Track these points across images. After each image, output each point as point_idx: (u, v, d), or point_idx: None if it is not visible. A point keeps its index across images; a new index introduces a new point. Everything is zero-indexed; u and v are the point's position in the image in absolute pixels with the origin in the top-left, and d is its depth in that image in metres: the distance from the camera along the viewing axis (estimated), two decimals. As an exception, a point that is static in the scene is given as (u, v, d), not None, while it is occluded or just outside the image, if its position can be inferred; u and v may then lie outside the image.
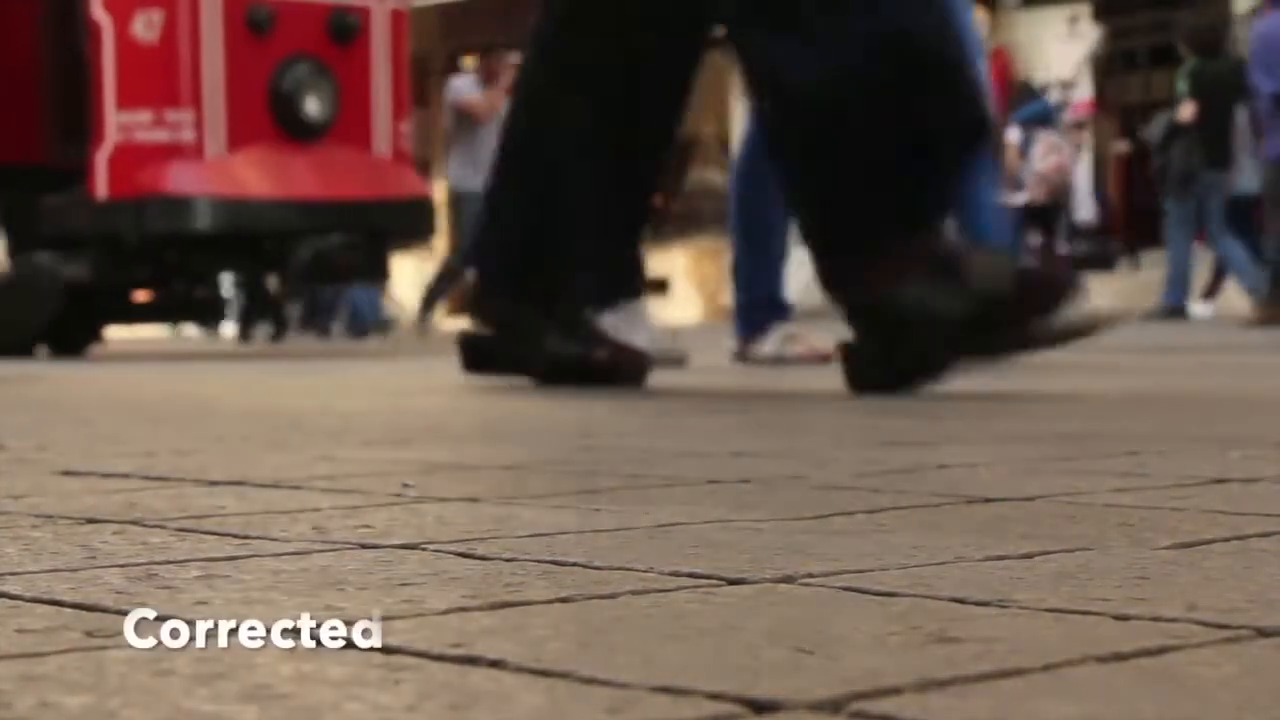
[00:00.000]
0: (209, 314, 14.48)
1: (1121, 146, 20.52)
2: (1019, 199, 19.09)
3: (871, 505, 2.18)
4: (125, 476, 2.67)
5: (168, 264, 12.15)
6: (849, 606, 1.43)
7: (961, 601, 1.45)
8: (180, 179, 11.38)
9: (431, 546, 1.83)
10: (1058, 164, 19.87)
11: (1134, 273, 19.63)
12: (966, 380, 4.77)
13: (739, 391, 5.70)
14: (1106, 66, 20.85)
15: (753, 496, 2.30)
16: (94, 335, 13.43)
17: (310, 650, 1.27)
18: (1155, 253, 19.59)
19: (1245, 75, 13.59)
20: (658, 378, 5.45)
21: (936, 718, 1.06)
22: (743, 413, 4.24)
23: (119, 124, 11.45)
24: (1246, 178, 14.29)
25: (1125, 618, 1.37)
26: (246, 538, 1.92)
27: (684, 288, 26.92)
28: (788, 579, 1.58)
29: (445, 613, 1.42)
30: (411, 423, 3.93)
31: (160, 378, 7.58)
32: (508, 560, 1.72)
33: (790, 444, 3.18)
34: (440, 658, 1.23)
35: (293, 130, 11.65)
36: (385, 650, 1.26)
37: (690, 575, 1.61)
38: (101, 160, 11.49)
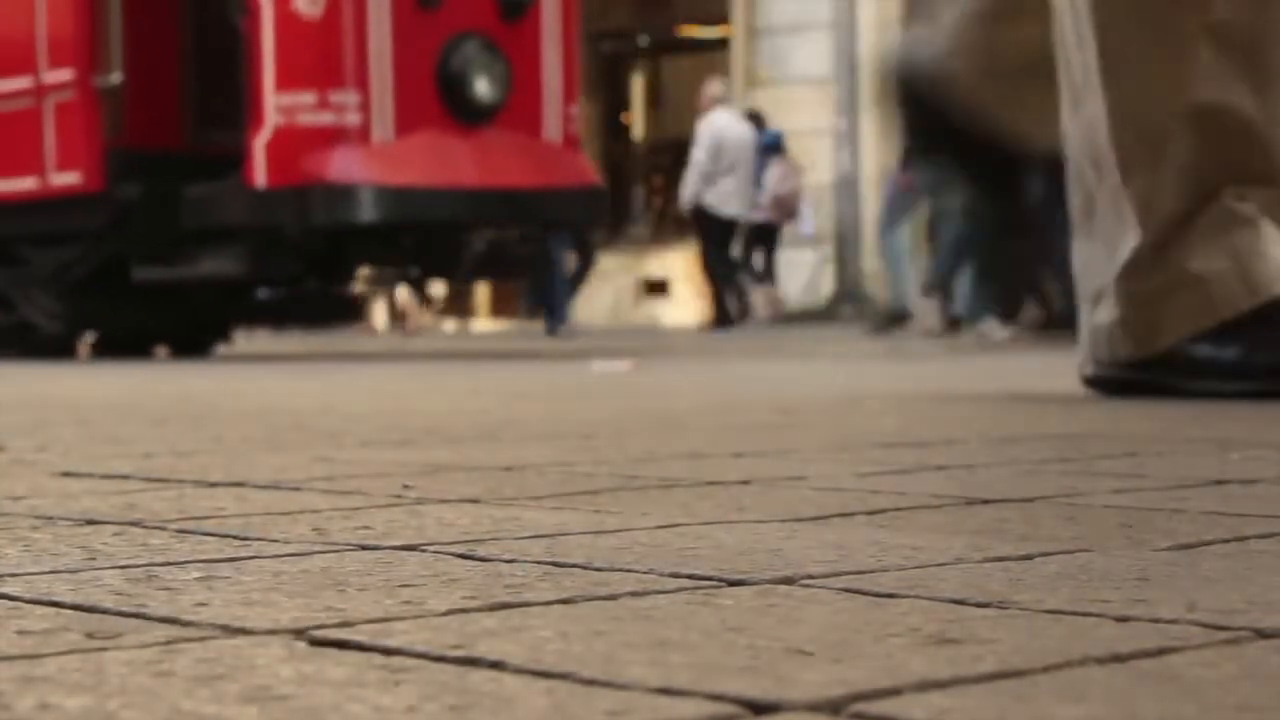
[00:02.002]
0: (346, 314, 13.37)
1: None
2: (755, 218, 21.77)
3: (871, 506, 2.18)
4: (125, 478, 2.67)
5: (326, 258, 11.07)
6: (849, 608, 1.44)
7: (961, 603, 1.45)
8: (346, 166, 10.48)
9: (432, 548, 1.83)
10: (791, 189, 22.45)
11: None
12: (964, 382, 4.77)
13: (739, 393, 5.70)
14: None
15: (752, 497, 2.30)
16: (222, 336, 12.58)
17: (311, 651, 1.27)
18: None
19: None
20: (658, 380, 5.44)
21: (937, 719, 1.06)
22: (744, 414, 4.24)
23: (279, 106, 10.57)
24: None
25: (1125, 619, 1.37)
26: (246, 539, 1.92)
27: (683, 289, 26.92)
28: (787, 580, 1.58)
29: (446, 614, 1.42)
30: (411, 423, 3.93)
31: (161, 378, 7.58)
32: (508, 561, 1.72)
33: (791, 445, 3.18)
34: (440, 659, 1.23)
35: (461, 113, 10.77)
36: (385, 651, 1.26)
37: (690, 576, 1.61)
38: (259, 146, 10.57)
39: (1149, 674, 1.17)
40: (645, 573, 1.63)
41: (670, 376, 6.78)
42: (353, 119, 10.48)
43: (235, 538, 1.93)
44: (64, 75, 11.18)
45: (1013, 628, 1.34)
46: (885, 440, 3.27)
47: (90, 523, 2.09)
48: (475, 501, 2.28)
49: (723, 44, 27.27)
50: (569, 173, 11.20)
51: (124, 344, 11.87)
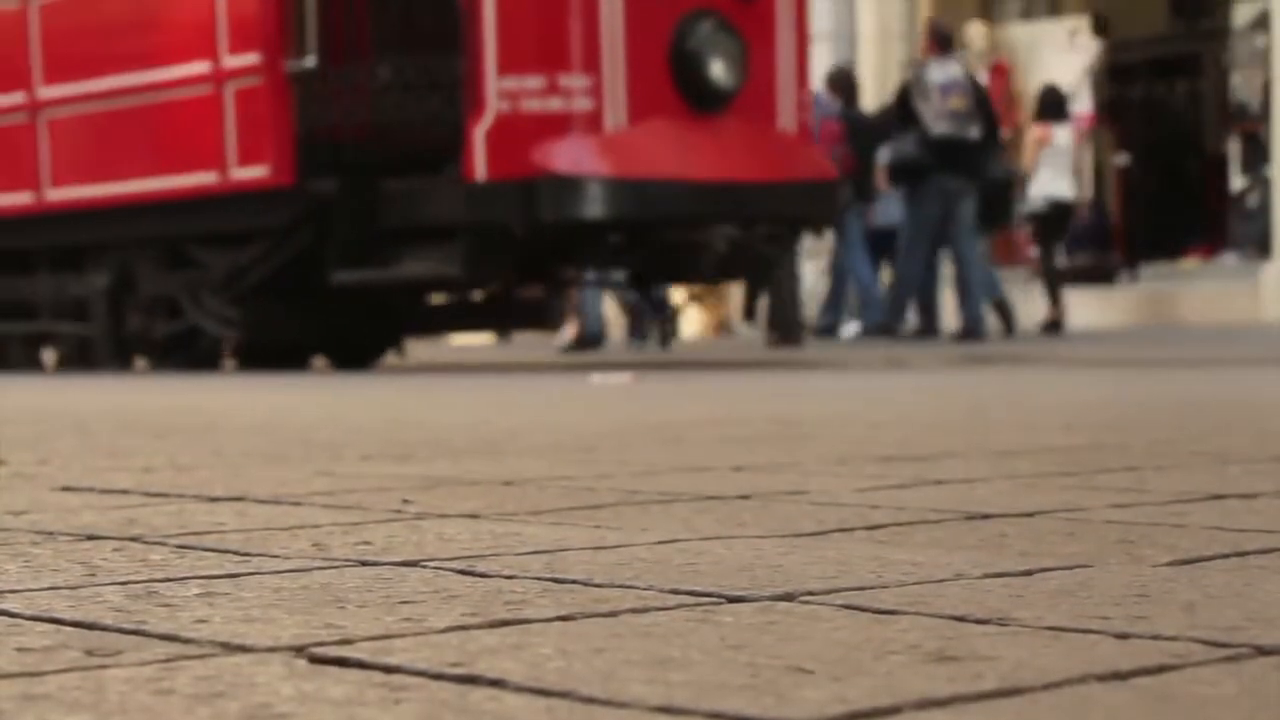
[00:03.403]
0: (538, 320, 12.11)
1: (1121, 159, 20.56)
2: None
3: (870, 522, 2.18)
4: (125, 492, 2.67)
5: (538, 259, 9.93)
6: (849, 625, 1.44)
7: (961, 619, 1.45)
8: (576, 157, 9.33)
9: (431, 564, 1.83)
10: None
11: (1133, 285, 19.64)
12: (960, 394, 4.76)
13: (740, 408, 5.70)
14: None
15: (752, 513, 2.30)
16: (391, 344, 11.48)
17: (311, 669, 1.27)
18: (1155, 266, 19.60)
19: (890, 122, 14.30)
20: (656, 391, 5.44)
21: (936, 737, 1.06)
22: (742, 428, 4.24)
23: (502, 91, 9.36)
24: (882, 210, 14.84)
25: (1125, 636, 1.37)
26: (247, 554, 1.92)
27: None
28: (787, 597, 1.58)
29: (446, 631, 1.42)
30: (411, 437, 3.93)
31: (162, 392, 7.58)
32: (508, 578, 1.72)
33: (789, 458, 3.18)
34: (440, 676, 1.23)
35: (695, 99, 9.59)
36: (386, 669, 1.26)
37: (691, 593, 1.61)
38: (479, 135, 9.31)
39: (1149, 692, 1.17)
40: (645, 589, 1.63)
41: (670, 389, 6.77)
42: (583, 105, 9.39)
43: (235, 553, 1.93)
44: (248, 60, 10.05)
45: (1013, 645, 1.34)
46: (884, 454, 3.27)
47: (90, 538, 2.09)
48: (475, 517, 2.28)
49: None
50: (807, 166, 10.12)
51: (271, 354, 10.71)
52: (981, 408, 4.88)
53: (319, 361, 11.07)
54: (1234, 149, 19.63)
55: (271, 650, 1.34)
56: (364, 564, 1.84)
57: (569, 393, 6.58)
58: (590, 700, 1.15)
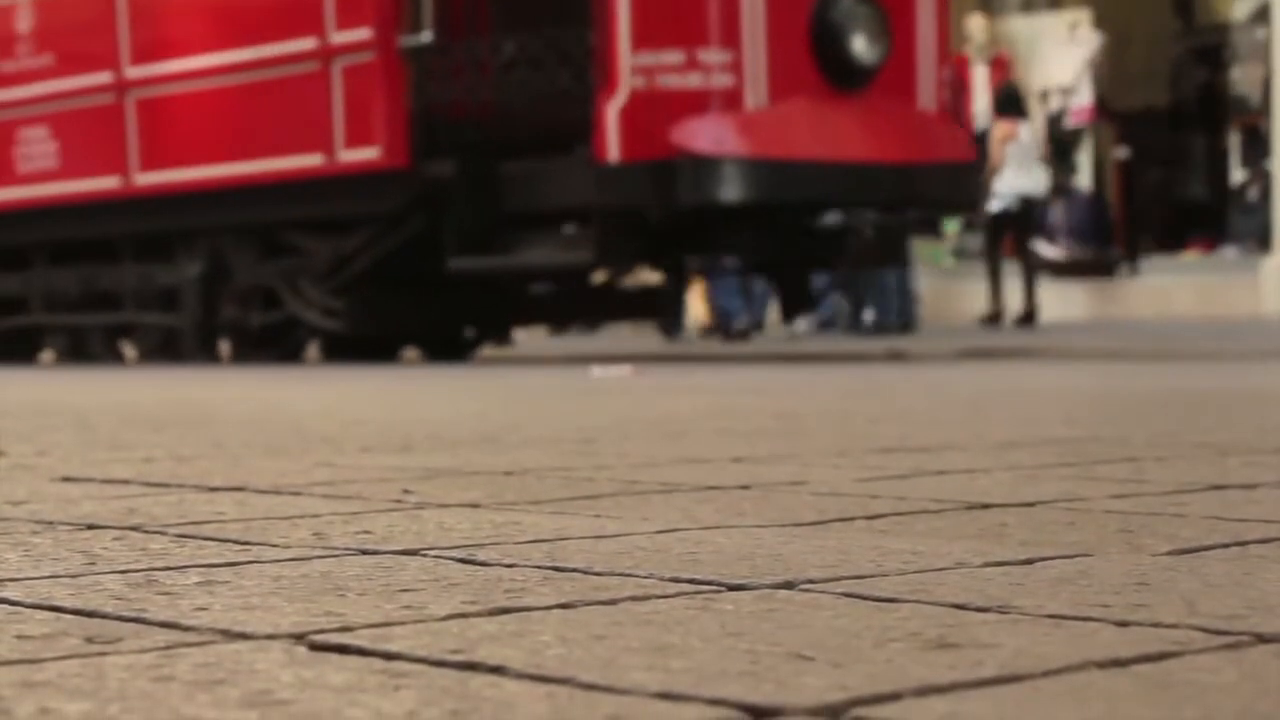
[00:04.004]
0: (652, 309, 11.51)
1: (1120, 153, 20.56)
2: None
3: (871, 511, 2.18)
4: (125, 482, 2.67)
5: (682, 244, 9.38)
6: (849, 612, 1.43)
7: (962, 607, 1.45)
8: (717, 136, 8.75)
9: (432, 552, 1.83)
10: None
11: (1133, 279, 19.64)
12: (962, 385, 4.76)
13: (740, 400, 5.70)
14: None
15: (752, 502, 2.30)
16: (491, 335, 10.95)
17: (311, 656, 1.27)
18: (1154, 259, 19.59)
19: None
20: (653, 383, 5.44)
21: (937, 724, 1.06)
22: (743, 420, 4.24)
23: (637, 67, 8.77)
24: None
25: (1125, 624, 1.37)
26: (246, 543, 1.92)
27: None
28: (787, 585, 1.58)
29: (446, 619, 1.42)
30: (411, 429, 3.93)
31: (164, 383, 7.57)
32: (508, 566, 1.72)
33: (789, 450, 3.18)
34: (441, 664, 1.23)
35: (837, 76, 9.05)
36: (386, 656, 1.26)
37: (690, 581, 1.61)
38: (612, 113, 8.73)
39: (1150, 679, 1.17)
40: (645, 577, 1.63)
41: (670, 381, 6.77)
42: (723, 81, 8.81)
43: (235, 542, 1.93)
44: (359, 35, 9.51)
45: (1013, 632, 1.33)
46: (884, 445, 3.27)
47: (90, 527, 2.09)
48: (475, 506, 2.28)
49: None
50: (950, 146, 9.55)
51: (355, 345, 10.15)
52: (981, 400, 4.88)
53: (409, 353, 10.58)
54: (1234, 142, 19.63)
55: (271, 637, 1.34)
56: (364, 552, 1.84)
57: (568, 386, 6.58)
58: (590, 687, 1.15)
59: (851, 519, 2.10)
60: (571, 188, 8.89)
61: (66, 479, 2.75)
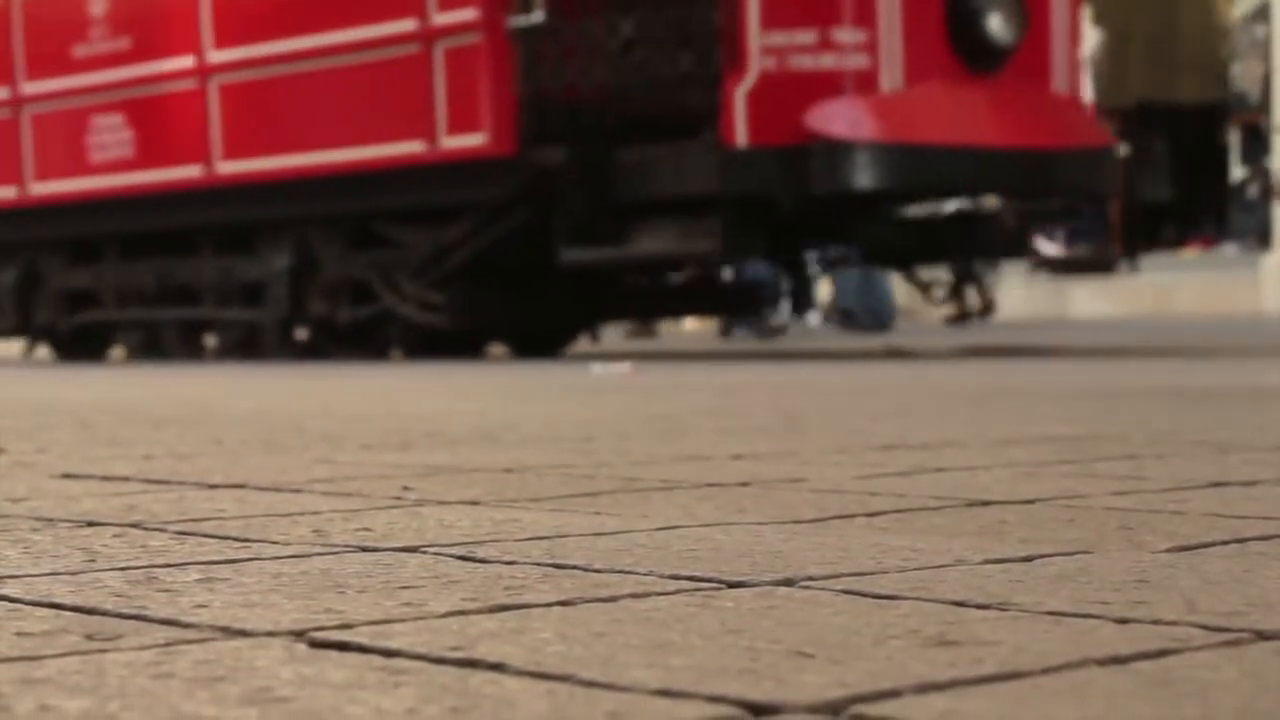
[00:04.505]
0: (752, 303, 11.26)
1: (1120, 150, 20.60)
2: None
3: (871, 508, 2.18)
4: (125, 480, 2.67)
5: (809, 232, 9.13)
6: (849, 610, 1.44)
7: (961, 604, 1.45)
8: (854, 120, 8.40)
9: (431, 549, 1.83)
10: None
11: (1133, 276, 19.65)
12: (963, 383, 4.76)
13: (740, 397, 5.70)
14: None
15: (752, 500, 2.30)
16: (584, 329, 10.57)
17: (311, 653, 1.27)
18: (1153, 256, 19.60)
19: None
20: (655, 380, 5.44)
21: (937, 721, 1.06)
22: (742, 417, 4.24)
23: (767, 47, 8.40)
24: None
25: (1125, 621, 1.37)
26: (246, 541, 1.92)
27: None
28: (787, 582, 1.58)
29: (445, 616, 1.42)
30: (411, 426, 3.93)
31: (166, 381, 7.57)
32: (508, 563, 1.72)
33: (789, 447, 3.18)
34: (440, 661, 1.23)
35: (971, 56, 8.72)
36: (386, 653, 1.26)
37: (690, 579, 1.61)
38: (740, 96, 8.37)
39: (1149, 676, 1.17)
40: (645, 574, 1.63)
41: (669, 378, 6.78)
42: (858, 62, 8.46)
43: (235, 539, 1.93)
44: (464, 15, 9.10)
45: (1013, 629, 1.33)
46: (884, 443, 3.27)
47: (90, 524, 2.09)
48: (475, 503, 2.28)
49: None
50: (1087, 131, 9.23)
51: (438, 341, 9.74)
52: (981, 397, 4.88)
53: (495, 349, 10.19)
54: (1234, 140, 19.62)
55: (271, 634, 1.34)
56: (364, 550, 1.84)
57: (568, 384, 6.58)
58: (590, 684, 1.15)
59: (851, 516, 2.11)
60: (692, 175, 8.50)
61: (67, 476, 2.75)
